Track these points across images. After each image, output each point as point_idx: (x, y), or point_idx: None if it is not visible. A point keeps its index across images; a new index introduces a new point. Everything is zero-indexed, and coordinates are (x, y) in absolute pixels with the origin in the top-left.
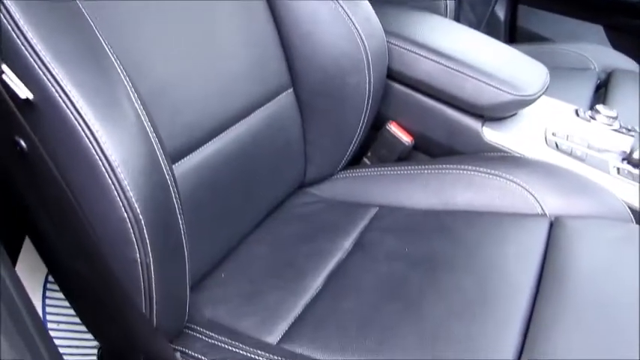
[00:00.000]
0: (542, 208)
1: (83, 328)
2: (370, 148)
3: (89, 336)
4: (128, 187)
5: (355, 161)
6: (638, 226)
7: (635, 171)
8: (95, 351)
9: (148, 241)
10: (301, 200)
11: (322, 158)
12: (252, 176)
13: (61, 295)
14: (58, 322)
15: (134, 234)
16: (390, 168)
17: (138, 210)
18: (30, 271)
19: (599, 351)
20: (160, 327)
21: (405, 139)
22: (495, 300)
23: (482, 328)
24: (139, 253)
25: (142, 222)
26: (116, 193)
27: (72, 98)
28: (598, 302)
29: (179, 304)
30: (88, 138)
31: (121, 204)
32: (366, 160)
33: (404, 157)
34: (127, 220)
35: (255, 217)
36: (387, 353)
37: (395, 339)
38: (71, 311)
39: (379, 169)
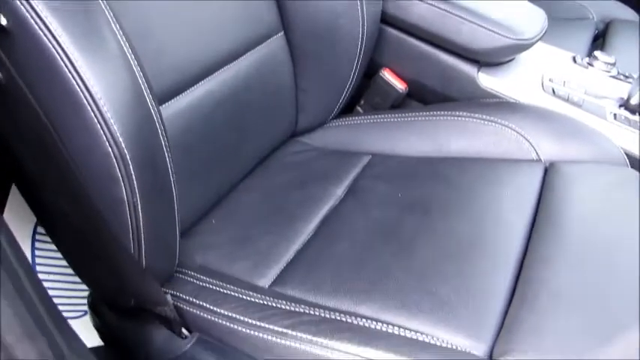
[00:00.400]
0: (537, 154)
1: (74, 278)
2: (363, 95)
3: (80, 286)
4: (112, 121)
5: (348, 110)
6: (633, 170)
7: (632, 117)
8: (86, 300)
9: (134, 179)
10: (293, 149)
11: (314, 106)
12: (243, 122)
13: (49, 246)
14: (49, 273)
15: (120, 170)
16: (383, 116)
17: (123, 145)
18: (18, 222)
19: (591, 292)
20: (149, 269)
21: (399, 86)
22: (489, 242)
23: (475, 268)
24: (126, 192)
25: (128, 157)
26: (99, 127)
27: (48, 25)
28: (591, 245)
29: (168, 247)
30: (68, 68)
31: (104, 138)
32: (359, 108)
33: (397, 104)
34: (112, 156)
35: (246, 164)
36: (379, 293)
37: (387, 279)
38: (61, 262)
39: (372, 116)
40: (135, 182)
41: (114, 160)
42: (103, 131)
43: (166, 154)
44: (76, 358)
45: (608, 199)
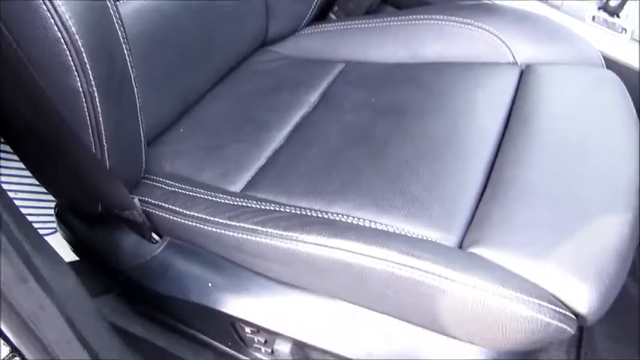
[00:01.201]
0: (513, 57)
1: (40, 196)
2: (336, 2)
3: (48, 204)
4: (59, 3)
5: (321, 17)
6: (609, 71)
7: (611, 19)
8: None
9: (88, 67)
10: (263, 58)
11: (285, 11)
12: (211, 28)
13: (14, 164)
14: (15, 191)
15: (72, 58)
16: (356, 22)
17: (73, 29)
18: None
19: (561, 188)
20: (114, 171)
21: None
22: (461, 142)
23: (447, 166)
24: (80, 82)
25: (79, 43)
26: (45, 8)
27: None
28: (564, 143)
29: (133, 150)
30: None
31: (52, 22)
32: (332, 15)
33: (372, 10)
34: (63, 41)
35: (215, 72)
36: (352, 194)
37: (360, 180)
38: (27, 180)
39: (345, 23)
40: (89, 72)
41: (64, 46)
42: (51, 15)
43: (124, 47)
44: (55, 274)
45: (583, 99)
